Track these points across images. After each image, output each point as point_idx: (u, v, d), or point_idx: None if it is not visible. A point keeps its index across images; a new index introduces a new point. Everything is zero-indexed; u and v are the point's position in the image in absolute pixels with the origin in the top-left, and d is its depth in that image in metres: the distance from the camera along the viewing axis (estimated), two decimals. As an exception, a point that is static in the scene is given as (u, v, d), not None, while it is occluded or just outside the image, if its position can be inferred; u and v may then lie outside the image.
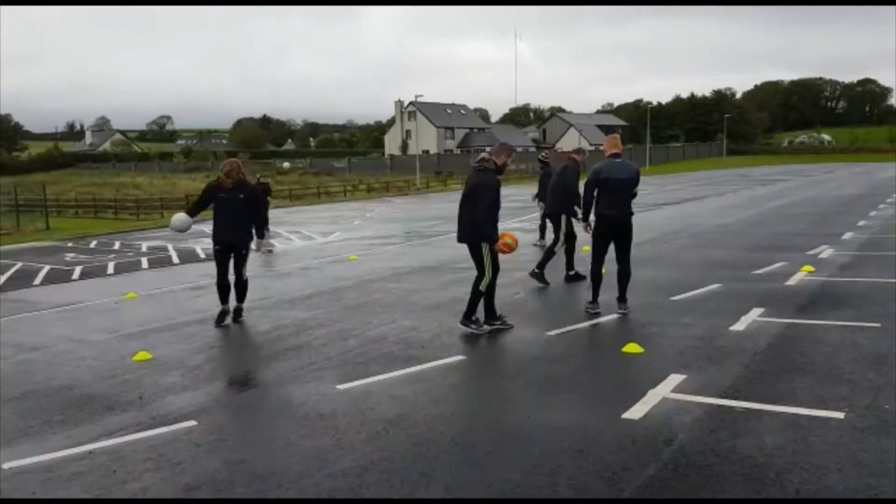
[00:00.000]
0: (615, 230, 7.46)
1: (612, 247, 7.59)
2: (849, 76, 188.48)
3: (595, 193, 7.43)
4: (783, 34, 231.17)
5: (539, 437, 4.18)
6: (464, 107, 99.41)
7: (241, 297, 8.21)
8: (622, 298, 7.49)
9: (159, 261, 16.16)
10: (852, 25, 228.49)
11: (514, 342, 6.52)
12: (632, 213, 7.48)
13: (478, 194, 6.75)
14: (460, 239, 7.01)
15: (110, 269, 15.07)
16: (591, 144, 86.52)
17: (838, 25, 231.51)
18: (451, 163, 71.87)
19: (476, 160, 7.12)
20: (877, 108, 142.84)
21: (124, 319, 8.82)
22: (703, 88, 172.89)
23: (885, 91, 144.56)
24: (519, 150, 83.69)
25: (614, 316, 7.30)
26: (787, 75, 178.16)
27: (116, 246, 20.69)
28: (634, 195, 7.48)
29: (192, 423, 4.75)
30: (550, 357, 5.96)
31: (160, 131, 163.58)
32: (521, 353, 6.12)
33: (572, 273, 9.78)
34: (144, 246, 20.04)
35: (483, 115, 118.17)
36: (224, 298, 8.07)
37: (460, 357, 6.03)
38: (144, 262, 16.17)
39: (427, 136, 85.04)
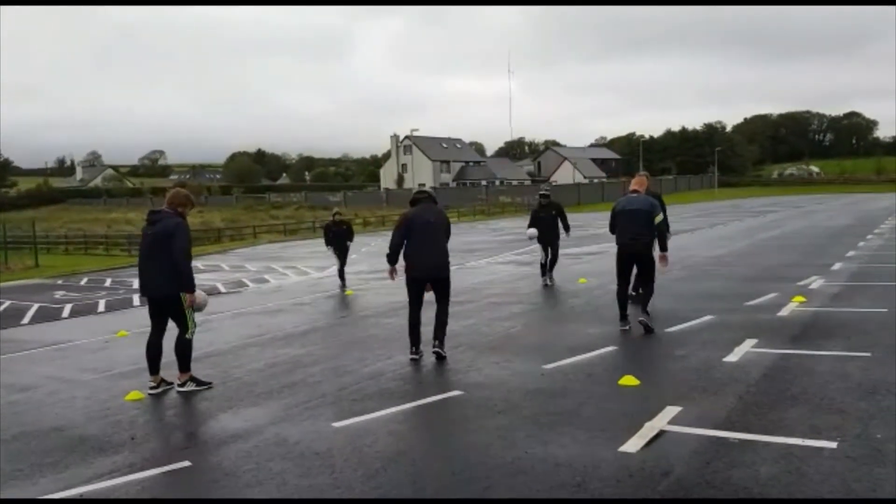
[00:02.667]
0: (630, 257, 8.20)
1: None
2: (835, 109, 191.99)
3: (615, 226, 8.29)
4: (769, 69, 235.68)
5: (538, 472, 4.17)
6: (459, 140, 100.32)
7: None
8: (643, 310, 8.14)
9: (152, 297, 16.09)
10: (834, 60, 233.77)
11: (510, 376, 6.52)
12: (646, 243, 8.07)
13: (448, 229, 7.40)
14: (436, 272, 7.38)
15: (101, 307, 15.00)
16: (584, 177, 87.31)
17: (821, 60, 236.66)
18: (447, 196, 72.20)
19: (419, 191, 7.61)
20: (863, 140, 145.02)
21: (116, 358, 8.77)
22: (694, 122, 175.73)
23: (871, 123, 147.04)
24: (514, 183, 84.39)
25: (610, 348, 7.33)
26: (776, 109, 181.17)
27: (107, 283, 20.60)
28: (659, 226, 8.08)
29: (186, 463, 4.71)
30: (547, 391, 5.96)
31: (153, 166, 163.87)
32: (517, 386, 6.11)
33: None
34: (136, 283, 19.94)
35: (479, 148, 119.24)
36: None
37: (457, 392, 6.02)
38: (136, 298, 16.09)
39: (423, 170, 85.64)
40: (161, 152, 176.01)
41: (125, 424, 5.74)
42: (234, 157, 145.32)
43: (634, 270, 8.50)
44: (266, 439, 5.10)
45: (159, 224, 6.62)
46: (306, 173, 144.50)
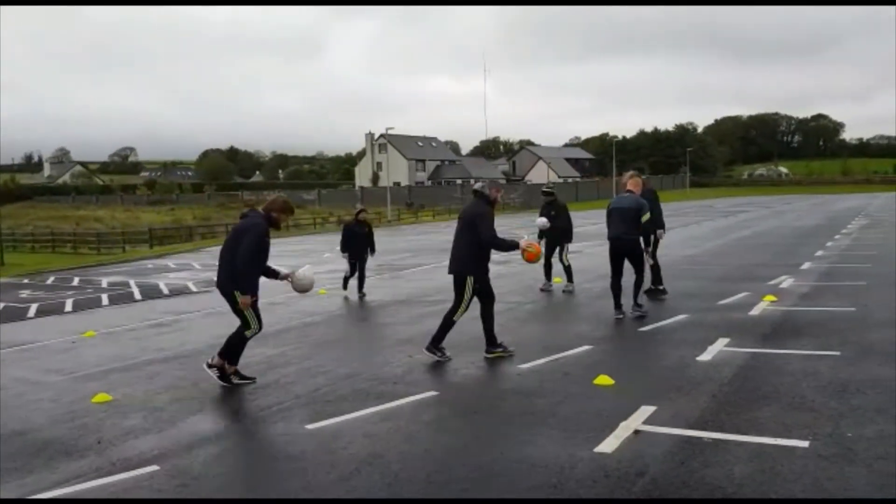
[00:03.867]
0: (618, 251, 8.80)
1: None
2: (803, 111, 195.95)
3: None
4: (739, 71, 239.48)
5: (513, 474, 4.15)
6: (434, 139, 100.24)
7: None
8: (634, 303, 8.85)
9: (120, 297, 15.81)
10: (801, 63, 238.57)
11: (486, 376, 6.49)
12: (632, 238, 8.71)
13: (475, 224, 6.97)
14: (451, 266, 7.16)
15: (68, 307, 14.68)
16: (559, 177, 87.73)
17: (789, 63, 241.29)
18: (422, 195, 72.11)
19: (475, 187, 7.41)
20: (830, 142, 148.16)
21: (83, 359, 8.57)
22: (667, 123, 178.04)
23: (838, 126, 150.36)
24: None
25: (585, 348, 7.33)
26: (746, 110, 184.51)
27: (75, 282, 20.20)
28: (644, 225, 8.79)
29: (155, 467, 4.60)
30: (523, 391, 5.95)
31: (123, 163, 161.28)
32: (493, 387, 6.09)
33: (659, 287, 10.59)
34: (105, 282, 19.60)
35: (454, 147, 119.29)
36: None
37: (433, 393, 5.97)
38: (105, 298, 15.80)
39: (398, 169, 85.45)
40: (131, 149, 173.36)
41: (91, 428, 5.60)
42: (207, 155, 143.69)
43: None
44: (237, 442, 5.02)
45: (240, 222, 6.62)
46: (280, 171, 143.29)
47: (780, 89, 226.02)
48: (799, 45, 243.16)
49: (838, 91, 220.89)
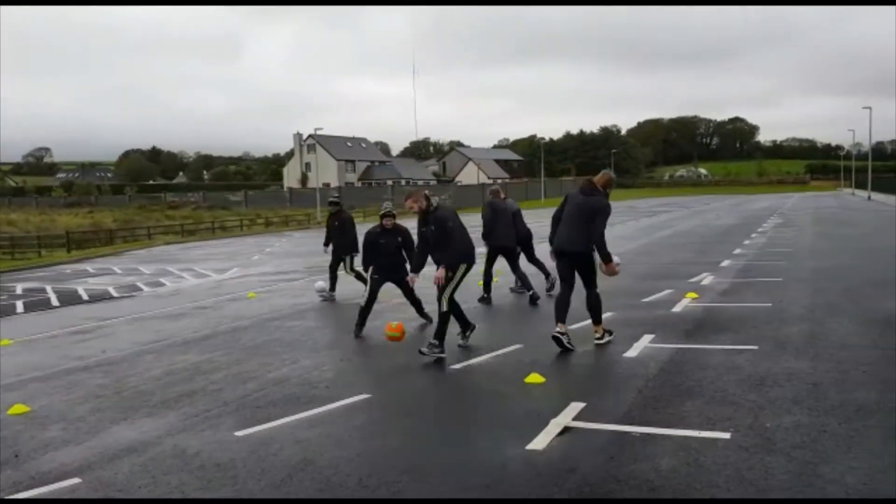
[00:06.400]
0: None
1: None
2: (720, 115, 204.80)
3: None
4: (659, 75, 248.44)
5: (446, 475, 4.16)
6: (364, 140, 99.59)
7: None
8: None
9: (37, 304, 15.04)
10: (712, 71, 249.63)
11: (418, 377, 6.50)
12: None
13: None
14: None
15: (-21, 315, 13.86)
16: (489, 178, 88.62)
17: (699, 70, 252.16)
18: (352, 196, 71.43)
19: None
20: (746, 144, 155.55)
21: (-4, 369, 8.11)
22: (591, 125, 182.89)
23: (753, 128, 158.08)
24: (420, 183, 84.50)
25: (516, 347, 7.44)
26: (666, 114, 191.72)
27: (-14, 288, 19.09)
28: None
29: (76, 480, 4.41)
30: (455, 391, 5.99)
31: (37, 164, 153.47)
32: (425, 388, 6.10)
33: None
34: (19, 288, 18.60)
35: (384, 148, 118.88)
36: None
37: (365, 396, 5.93)
38: (20, 305, 14.99)
39: (327, 169, 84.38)
40: (47, 149, 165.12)
41: (8, 441, 5.31)
42: (128, 155, 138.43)
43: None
44: (163, 451, 4.85)
45: (587, 199, 7.13)
46: (205, 172, 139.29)
47: (696, 93, 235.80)
48: (706, 54, 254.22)
49: (751, 96, 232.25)
